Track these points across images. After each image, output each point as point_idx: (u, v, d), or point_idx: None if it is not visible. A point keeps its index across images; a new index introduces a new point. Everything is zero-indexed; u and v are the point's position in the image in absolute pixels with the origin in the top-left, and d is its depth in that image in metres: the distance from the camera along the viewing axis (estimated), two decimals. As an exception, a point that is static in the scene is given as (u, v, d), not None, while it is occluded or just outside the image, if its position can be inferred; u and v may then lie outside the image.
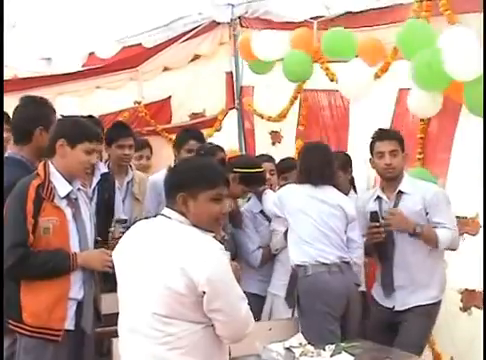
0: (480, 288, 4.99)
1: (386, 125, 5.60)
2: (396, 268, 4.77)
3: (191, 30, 7.20)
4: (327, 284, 4.68)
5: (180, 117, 7.57)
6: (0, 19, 4.87)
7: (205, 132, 7.28)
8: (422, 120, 5.55)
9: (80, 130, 4.03)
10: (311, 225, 4.79)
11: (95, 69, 7.06)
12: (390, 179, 4.78)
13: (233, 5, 7.14)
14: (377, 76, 5.62)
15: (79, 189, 4.10)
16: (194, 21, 7.23)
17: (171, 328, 2.99)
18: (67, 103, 6.71)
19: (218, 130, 7.53)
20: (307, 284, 4.70)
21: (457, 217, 4.95)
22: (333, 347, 4.02)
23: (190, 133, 5.91)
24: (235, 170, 5.10)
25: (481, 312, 5.04)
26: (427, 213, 4.72)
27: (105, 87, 7.02)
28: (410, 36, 5.06)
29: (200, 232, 3.11)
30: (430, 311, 4.76)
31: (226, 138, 7.32)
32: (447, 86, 4.79)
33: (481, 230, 5.12)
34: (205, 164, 3.32)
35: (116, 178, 5.56)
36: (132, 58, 7.21)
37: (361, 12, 5.90)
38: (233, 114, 7.62)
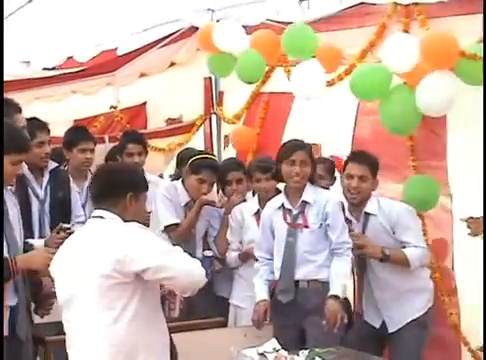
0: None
1: (347, 130, 5.72)
2: (375, 288, 4.78)
3: (169, 35, 7.19)
4: None
5: (156, 122, 7.57)
6: (0, 19, 4.81)
7: (182, 138, 7.33)
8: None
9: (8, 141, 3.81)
10: None
11: (72, 73, 7.05)
12: (353, 204, 4.78)
13: (213, 10, 7.13)
14: (340, 78, 5.59)
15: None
16: (173, 26, 7.23)
17: (113, 310, 3.27)
18: (43, 108, 6.70)
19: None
20: None
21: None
22: (307, 353, 4.03)
23: (128, 137, 5.95)
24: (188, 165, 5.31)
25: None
26: (394, 232, 4.71)
27: (81, 92, 7.00)
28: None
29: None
30: (423, 321, 4.75)
31: (203, 144, 7.36)
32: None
33: None
34: (136, 168, 3.75)
35: (75, 182, 5.54)
36: (109, 63, 7.23)
37: (336, 15, 5.88)
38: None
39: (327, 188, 5.19)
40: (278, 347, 4.08)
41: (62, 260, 3.47)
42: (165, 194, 5.35)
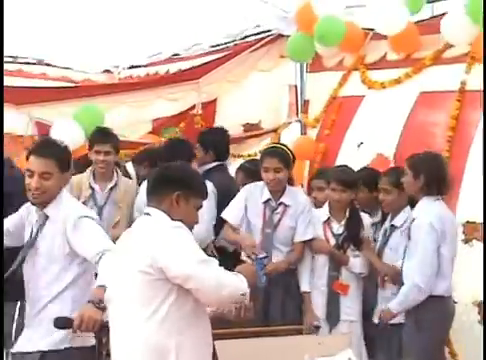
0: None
1: (397, 126, 6.06)
2: None
3: (254, 43, 7.26)
4: None
5: (233, 127, 7.56)
6: (0, 19, 4.87)
7: (261, 143, 7.35)
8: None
9: None
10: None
11: (157, 79, 7.14)
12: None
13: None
14: (408, 76, 5.97)
15: None
16: (257, 33, 7.31)
17: (148, 307, 3.20)
18: (127, 112, 6.86)
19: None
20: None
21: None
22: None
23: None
24: None
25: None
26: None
27: (165, 98, 7.08)
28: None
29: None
30: None
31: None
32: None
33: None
34: (199, 176, 3.59)
35: (98, 183, 5.66)
36: (194, 70, 7.29)
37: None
38: (294, 127, 7.59)
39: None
40: (353, 358, 4.02)
41: (111, 256, 3.48)
42: (242, 192, 5.35)
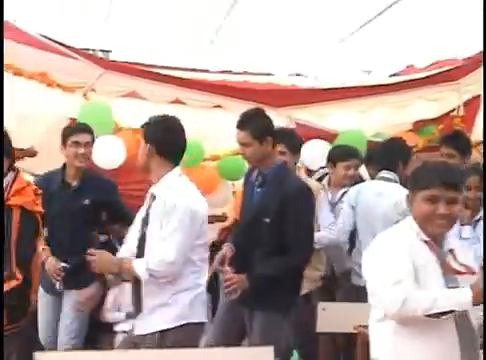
0: None
1: None
2: None
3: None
4: None
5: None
6: (0, 19, 4.91)
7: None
8: None
9: None
10: None
11: (414, 81, 7.08)
12: None
13: None
14: None
15: None
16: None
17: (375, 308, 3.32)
18: (384, 114, 6.86)
19: None
20: None
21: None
22: None
23: None
24: None
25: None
26: None
27: (425, 98, 7.00)
28: None
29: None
30: None
31: None
32: None
33: None
34: (426, 165, 3.41)
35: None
36: (453, 70, 7.14)
37: None
38: None
39: None
40: None
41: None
42: None
